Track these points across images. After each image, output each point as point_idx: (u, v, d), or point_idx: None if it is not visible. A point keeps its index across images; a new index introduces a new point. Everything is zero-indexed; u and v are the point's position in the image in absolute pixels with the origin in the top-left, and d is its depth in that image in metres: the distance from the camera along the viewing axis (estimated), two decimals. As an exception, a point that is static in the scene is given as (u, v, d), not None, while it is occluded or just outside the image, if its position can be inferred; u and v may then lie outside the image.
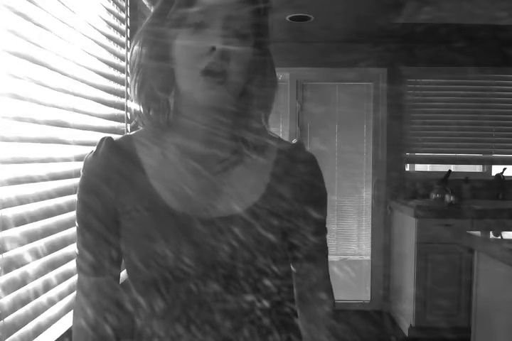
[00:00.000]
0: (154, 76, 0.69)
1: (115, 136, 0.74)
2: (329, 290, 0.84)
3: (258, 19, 0.68)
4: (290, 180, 0.75)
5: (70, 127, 1.15)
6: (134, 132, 0.76)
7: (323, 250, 0.83)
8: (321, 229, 0.82)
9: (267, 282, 0.70)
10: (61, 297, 1.11)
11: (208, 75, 0.64)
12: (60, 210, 1.11)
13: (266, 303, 0.71)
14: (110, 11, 1.43)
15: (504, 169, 3.29)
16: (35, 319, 0.99)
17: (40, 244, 1.02)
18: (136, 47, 0.70)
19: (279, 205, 0.73)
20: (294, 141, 0.81)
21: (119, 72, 1.52)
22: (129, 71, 0.74)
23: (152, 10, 0.71)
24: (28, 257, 0.97)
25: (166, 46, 0.67)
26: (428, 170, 3.91)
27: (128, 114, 1.55)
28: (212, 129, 0.71)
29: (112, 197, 0.70)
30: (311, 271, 0.82)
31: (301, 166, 0.77)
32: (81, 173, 0.73)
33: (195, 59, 0.65)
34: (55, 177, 1.08)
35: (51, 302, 1.05)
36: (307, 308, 0.82)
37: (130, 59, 0.72)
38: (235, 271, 0.67)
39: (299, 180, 0.76)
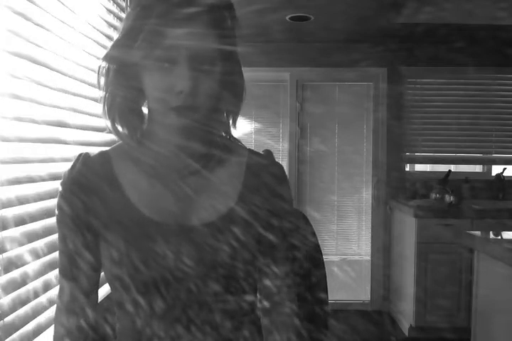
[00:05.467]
0: (124, 96, 0.70)
1: (92, 152, 0.75)
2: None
3: (224, 42, 0.67)
4: (261, 190, 0.76)
5: (70, 127, 1.15)
6: (110, 148, 0.77)
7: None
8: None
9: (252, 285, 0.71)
10: (61, 297, 1.10)
11: (178, 111, 0.65)
12: (60, 210, 1.10)
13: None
14: (110, 11, 1.43)
15: (504, 169, 3.29)
16: (35, 319, 0.99)
17: (40, 244, 1.02)
18: (105, 65, 0.70)
19: (253, 213, 0.74)
20: (262, 151, 0.81)
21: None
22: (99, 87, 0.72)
23: (122, 26, 0.68)
24: (28, 257, 0.97)
25: (135, 70, 0.67)
26: (428, 170, 3.91)
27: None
28: (182, 146, 0.72)
29: (91, 212, 0.71)
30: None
31: (271, 177, 0.77)
32: (59, 188, 0.73)
33: (164, 97, 0.65)
34: (55, 177, 1.08)
35: (51, 302, 1.05)
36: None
37: (99, 75, 0.71)
38: (217, 276, 0.69)
39: (269, 192, 0.76)
